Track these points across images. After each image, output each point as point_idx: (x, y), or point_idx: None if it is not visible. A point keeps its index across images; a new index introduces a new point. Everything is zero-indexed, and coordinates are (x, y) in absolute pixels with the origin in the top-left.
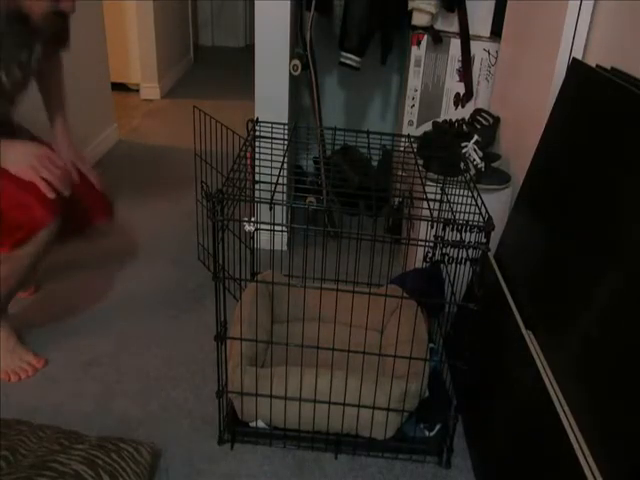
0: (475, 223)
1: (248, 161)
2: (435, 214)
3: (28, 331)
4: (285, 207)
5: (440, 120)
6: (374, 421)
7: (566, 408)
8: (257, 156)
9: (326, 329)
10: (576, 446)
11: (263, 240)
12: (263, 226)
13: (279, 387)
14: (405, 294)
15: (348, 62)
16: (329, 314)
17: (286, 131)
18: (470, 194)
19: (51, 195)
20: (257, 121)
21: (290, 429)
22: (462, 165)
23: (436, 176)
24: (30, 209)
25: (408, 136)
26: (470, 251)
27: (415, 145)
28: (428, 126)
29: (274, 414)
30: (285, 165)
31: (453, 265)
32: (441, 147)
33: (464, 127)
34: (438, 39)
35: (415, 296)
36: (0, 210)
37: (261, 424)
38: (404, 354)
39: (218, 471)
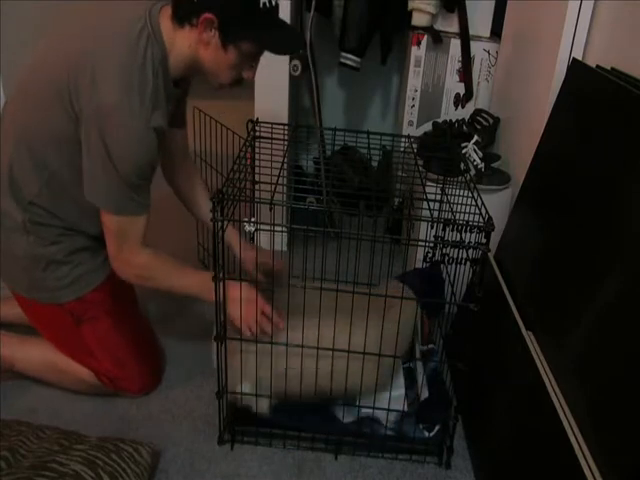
0: (475, 223)
1: (248, 161)
2: (435, 214)
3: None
4: (285, 207)
5: (440, 120)
6: (363, 375)
7: (566, 408)
8: (257, 156)
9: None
10: (576, 446)
11: (263, 240)
12: (263, 226)
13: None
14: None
15: (348, 62)
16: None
17: (286, 131)
18: (470, 194)
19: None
20: (257, 121)
21: (291, 430)
22: (462, 165)
23: (436, 176)
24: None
25: (408, 136)
26: (470, 251)
27: (415, 145)
28: (428, 126)
29: (260, 377)
30: (285, 165)
31: (453, 265)
32: (441, 147)
33: (464, 127)
34: (438, 39)
35: (415, 297)
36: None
37: (247, 389)
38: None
39: (218, 471)
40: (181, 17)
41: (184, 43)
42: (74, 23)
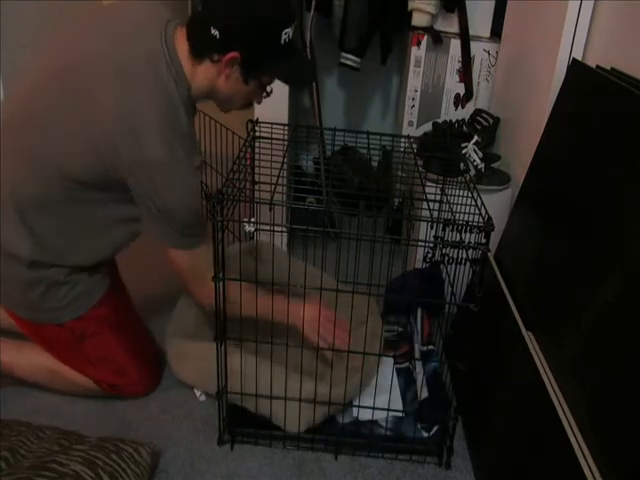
0: (475, 224)
1: (248, 162)
2: (435, 214)
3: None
4: (285, 207)
5: (440, 121)
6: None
7: (566, 408)
8: (257, 157)
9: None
10: (576, 446)
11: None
12: (263, 226)
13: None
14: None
15: (348, 63)
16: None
17: (286, 131)
18: (470, 195)
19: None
20: (257, 122)
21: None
22: (462, 166)
23: (436, 177)
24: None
25: (408, 137)
26: (470, 252)
27: (415, 145)
28: (428, 127)
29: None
30: (285, 166)
31: (453, 266)
32: (441, 148)
33: (464, 128)
34: (438, 39)
35: (415, 297)
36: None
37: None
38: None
39: (218, 471)
40: (201, 53)
41: (203, 77)
42: (89, 45)
